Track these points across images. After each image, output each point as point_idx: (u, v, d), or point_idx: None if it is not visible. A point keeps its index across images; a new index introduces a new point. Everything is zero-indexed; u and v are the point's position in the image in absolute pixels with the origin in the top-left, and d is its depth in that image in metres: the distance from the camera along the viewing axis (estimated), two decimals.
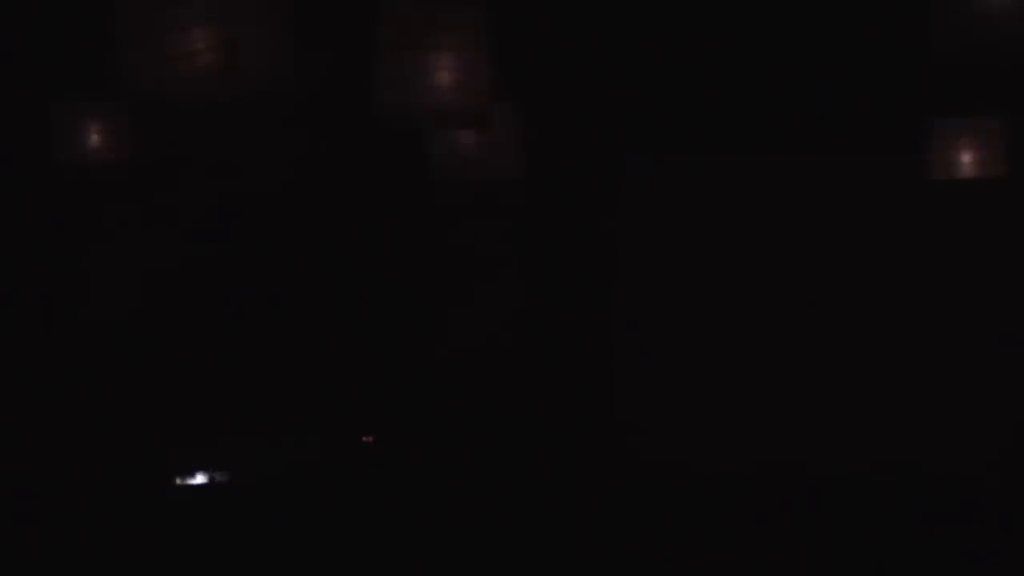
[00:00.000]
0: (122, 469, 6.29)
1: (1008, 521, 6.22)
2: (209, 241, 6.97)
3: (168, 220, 6.92)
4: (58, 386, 6.61)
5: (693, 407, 7.36)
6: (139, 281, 6.83)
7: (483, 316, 7.32)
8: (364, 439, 6.87)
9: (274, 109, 3.03)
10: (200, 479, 6.27)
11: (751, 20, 6.26)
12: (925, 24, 3.08)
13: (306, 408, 6.93)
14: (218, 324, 6.94)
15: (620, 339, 7.43)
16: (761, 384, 7.30)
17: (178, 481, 6.26)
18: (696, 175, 7.37)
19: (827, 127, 6.88)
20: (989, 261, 7.09)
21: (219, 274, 6.97)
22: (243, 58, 2.52)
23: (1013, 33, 2.83)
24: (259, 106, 2.82)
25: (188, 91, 2.63)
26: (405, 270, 7.30)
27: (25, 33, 5.91)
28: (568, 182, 7.31)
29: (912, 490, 6.91)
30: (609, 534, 6.17)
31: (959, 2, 2.93)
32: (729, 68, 6.73)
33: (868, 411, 7.17)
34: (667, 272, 7.42)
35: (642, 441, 7.34)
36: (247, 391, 6.88)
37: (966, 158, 4.58)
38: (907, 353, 7.14)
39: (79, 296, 6.79)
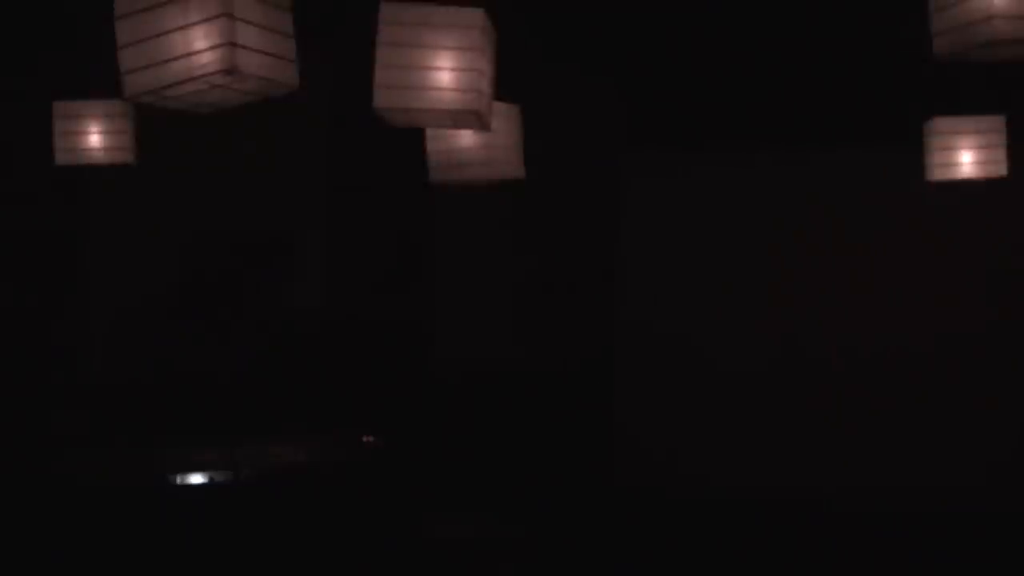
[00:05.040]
0: (122, 469, 6.29)
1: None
2: (208, 241, 6.97)
3: (168, 220, 6.92)
4: (58, 385, 6.61)
5: (689, 407, 7.36)
6: (140, 280, 6.84)
7: (482, 315, 7.32)
8: (364, 439, 6.87)
9: (273, 109, 3.03)
10: (200, 479, 6.27)
11: (752, 20, 6.27)
12: (925, 23, 3.08)
13: (306, 408, 6.93)
14: (218, 324, 6.94)
15: (621, 343, 7.44)
16: (761, 386, 7.29)
17: (178, 481, 6.26)
18: (697, 174, 7.38)
19: (825, 127, 6.89)
20: (994, 261, 7.08)
21: (218, 274, 6.98)
22: (242, 59, 2.52)
23: (1012, 32, 2.83)
24: (258, 107, 2.82)
25: (187, 91, 2.63)
26: (404, 271, 7.31)
27: (26, 33, 5.91)
28: (568, 182, 7.32)
29: (909, 494, 6.91)
30: (607, 546, 6.18)
31: (958, 1, 2.93)
32: (730, 67, 6.74)
33: (872, 418, 7.16)
34: (669, 272, 7.42)
35: (640, 445, 7.34)
36: (248, 391, 6.88)
37: (966, 158, 4.58)
38: (915, 358, 7.12)
39: (79, 296, 6.79)
